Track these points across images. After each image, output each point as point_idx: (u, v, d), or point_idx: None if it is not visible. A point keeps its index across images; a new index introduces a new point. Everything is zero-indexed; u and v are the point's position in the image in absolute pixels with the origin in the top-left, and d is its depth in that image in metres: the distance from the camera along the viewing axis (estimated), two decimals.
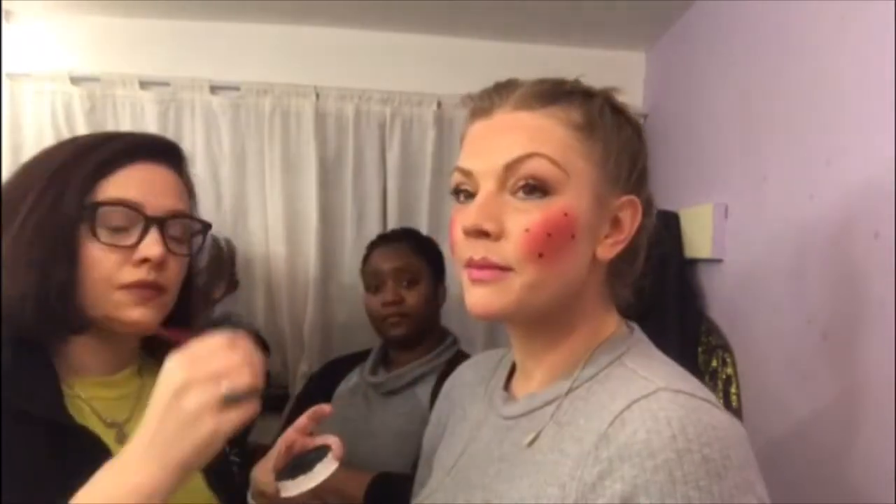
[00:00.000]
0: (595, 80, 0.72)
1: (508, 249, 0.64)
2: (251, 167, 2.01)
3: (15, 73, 1.92)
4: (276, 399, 1.82)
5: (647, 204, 0.72)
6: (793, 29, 1.30)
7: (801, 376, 1.21)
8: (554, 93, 0.68)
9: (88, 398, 0.80)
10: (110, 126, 1.95)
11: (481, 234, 0.64)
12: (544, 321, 0.69)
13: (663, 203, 1.68)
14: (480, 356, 0.93)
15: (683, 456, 0.53)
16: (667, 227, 1.64)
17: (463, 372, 0.92)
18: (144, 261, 0.78)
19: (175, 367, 0.60)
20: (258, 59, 2.02)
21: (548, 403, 0.68)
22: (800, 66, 1.27)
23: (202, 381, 0.59)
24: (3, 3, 1.88)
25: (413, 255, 1.58)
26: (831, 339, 1.13)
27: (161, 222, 0.80)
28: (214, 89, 1.98)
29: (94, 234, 0.77)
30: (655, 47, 2.08)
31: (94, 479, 0.60)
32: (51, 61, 1.95)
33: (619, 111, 0.70)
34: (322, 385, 1.68)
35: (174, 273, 0.83)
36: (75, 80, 1.93)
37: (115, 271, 0.78)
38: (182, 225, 0.85)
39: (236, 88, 1.99)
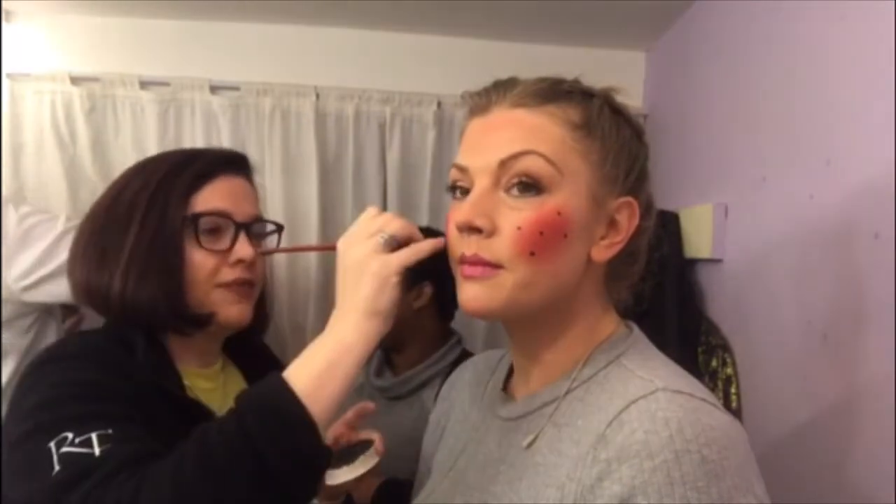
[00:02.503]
0: (595, 80, 0.71)
1: (500, 247, 0.64)
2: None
3: (15, 73, 1.91)
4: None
5: (647, 206, 0.71)
6: (793, 29, 1.30)
7: (801, 376, 1.21)
8: (552, 91, 0.67)
9: (192, 386, 0.92)
10: (110, 126, 1.95)
11: (473, 230, 0.64)
12: (539, 321, 0.69)
13: (663, 203, 1.68)
14: (479, 357, 0.93)
15: (682, 457, 0.53)
16: (667, 227, 1.64)
17: (462, 373, 0.92)
18: (239, 262, 0.92)
19: (341, 239, 0.71)
20: (258, 59, 2.02)
21: (546, 404, 0.68)
22: (800, 67, 1.27)
23: (359, 239, 0.69)
24: (3, 3, 1.88)
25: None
26: (831, 340, 1.13)
27: (247, 227, 0.94)
28: (214, 89, 1.98)
29: (198, 241, 0.90)
30: (655, 47, 2.08)
31: (305, 351, 0.69)
32: (51, 61, 1.95)
33: (618, 111, 0.70)
34: None
35: (260, 269, 0.97)
36: (75, 80, 1.93)
37: (214, 272, 0.91)
38: (261, 227, 1.00)
39: (236, 88, 1.99)
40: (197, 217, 0.90)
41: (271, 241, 1.05)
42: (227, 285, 0.92)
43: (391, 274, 0.67)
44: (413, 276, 1.55)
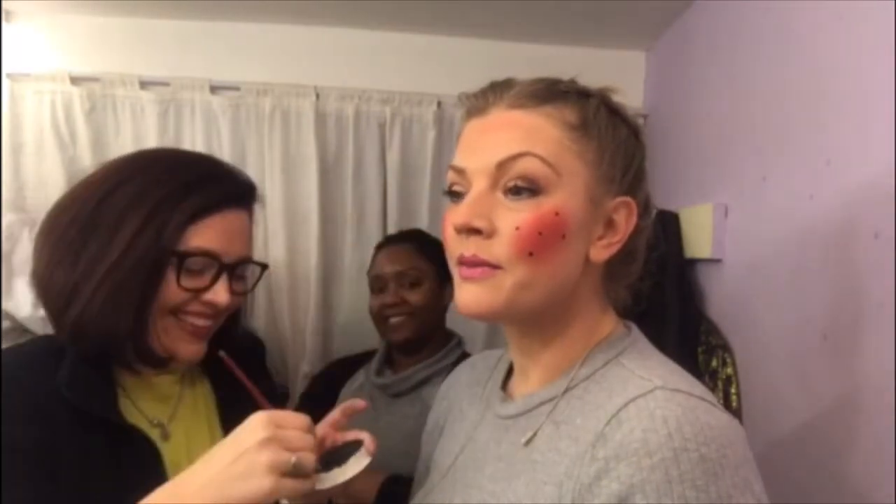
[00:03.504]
0: (595, 79, 0.71)
1: (499, 247, 0.64)
2: (251, 167, 2.00)
3: (15, 73, 1.92)
4: (277, 397, 1.83)
5: (645, 205, 0.71)
6: (793, 29, 1.30)
7: (801, 376, 1.21)
8: (549, 92, 0.67)
9: (136, 398, 0.85)
10: (110, 126, 1.95)
11: (472, 231, 0.64)
12: (538, 321, 0.69)
13: (663, 203, 1.69)
14: (478, 357, 0.93)
15: (680, 455, 0.53)
16: (667, 227, 1.64)
17: (461, 373, 0.92)
18: (209, 303, 0.85)
19: (262, 424, 0.67)
20: (258, 59, 2.02)
21: (544, 403, 0.68)
22: (800, 67, 1.27)
23: (281, 445, 0.66)
24: (3, 3, 1.88)
25: (415, 257, 1.56)
26: (831, 340, 1.13)
27: (232, 269, 0.88)
28: (214, 89, 1.98)
29: (178, 280, 0.83)
30: (655, 47, 2.08)
31: (149, 500, 0.65)
32: (51, 61, 1.95)
33: (615, 111, 0.70)
34: (327, 385, 1.68)
35: (231, 307, 0.90)
36: (75, 80, 1.93)
37: (181, 305, 0.85)
38: (245, 268, 0.93)
39: (236, 88, 1.99)
40: (184, 256, 0.83)
41: (254, 277, 0.99)
42: (186, 313, 0.85)
43: (271, 499, 0.66)
44: (444, 274, 1.57)
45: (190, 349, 0.86)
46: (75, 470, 0.72)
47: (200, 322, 0.86)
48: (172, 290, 0.83)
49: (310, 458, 0.68)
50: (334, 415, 0.91)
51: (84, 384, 0.79)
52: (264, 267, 0.97)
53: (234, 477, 0.64)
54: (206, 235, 0.85)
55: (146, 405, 0.87)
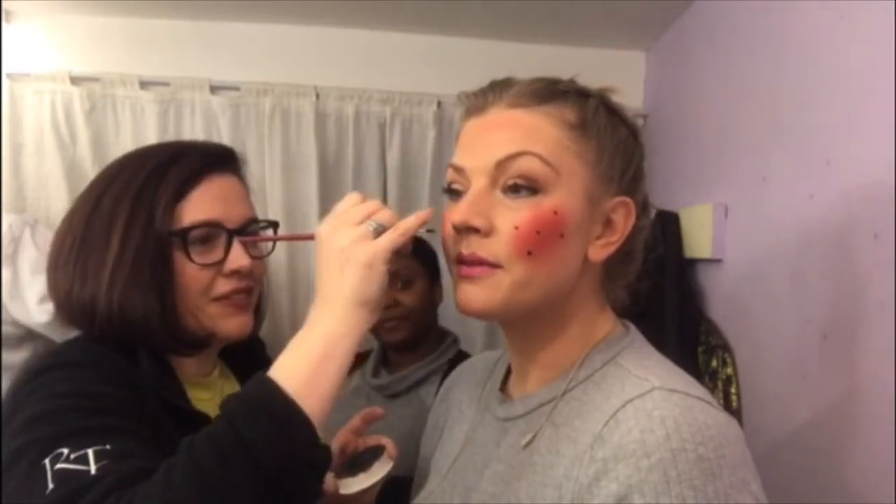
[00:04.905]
0: (595, 79, 0.71)
1: (498, 246, 0.64)
2: (251, 167, 1.96)
3: (15, 73, 1.92)
4: None
5: (643, 206, 0.71)
6: (793, 29, 1.30)
7: (801, 376, 1.21)
8: (548, 92, 0.67)
9: (192, 397, 0.86)
10: (110, 126, 1.95)
11: (470, 229, 0.65)
12: (536, 320, 0.69)
13: (663, 203, 1.69)
14: (477, 358, 0.93)
15: (678, 455, 0.53)
16: (666, 227, 1.64)
17: (460, 374, 0.92)
18: (234, 272, 0.86)
19: (323, 225, 0.68)
20: (258, 59, 2.03)
21: (543, 404, 0.68)
22: (800, 67, 1.27)
23: (347, 224, 0.66)
24: (3, 3, 1.89)
25: (404, 257, 1.58)
26: (831, 339, 1.13)
27: (240, 232, 0.87)
28: (214, 89, 1.98)
29: (190, 258, 0.83)
30: (655, 47, 2.08)
31: (290, 346, 0.67)
32: (51, 61, 1.95)
33: (614, 112, 0.70)
34: None
35: (259, 273, 0.91)
36: (75, 80, 1.93)
37: (209, 286, 0.85)
38: (255, 229, 0.92)
39: (236, 88, 1.99)
40: (186, 232, 0.83)
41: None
42: (223, 297, 0.86)
43: (379, 262, 0.65)
44: (434, 273, 1.57)
45: (233, 323, 0.87)
46: (165, 447, 0.73)
47: (238, 290, 0.87)
48: (192, 270, 0.83)
49: (383, 215, 0.67)
50: (355, 422, 0.93)
51: (161, 377, 0.82)
52: (275, 225, 0.97)
53: (334, 277, 0.65)
54: (198, 207, 0.85)
55: (199, 404, 0.88)
